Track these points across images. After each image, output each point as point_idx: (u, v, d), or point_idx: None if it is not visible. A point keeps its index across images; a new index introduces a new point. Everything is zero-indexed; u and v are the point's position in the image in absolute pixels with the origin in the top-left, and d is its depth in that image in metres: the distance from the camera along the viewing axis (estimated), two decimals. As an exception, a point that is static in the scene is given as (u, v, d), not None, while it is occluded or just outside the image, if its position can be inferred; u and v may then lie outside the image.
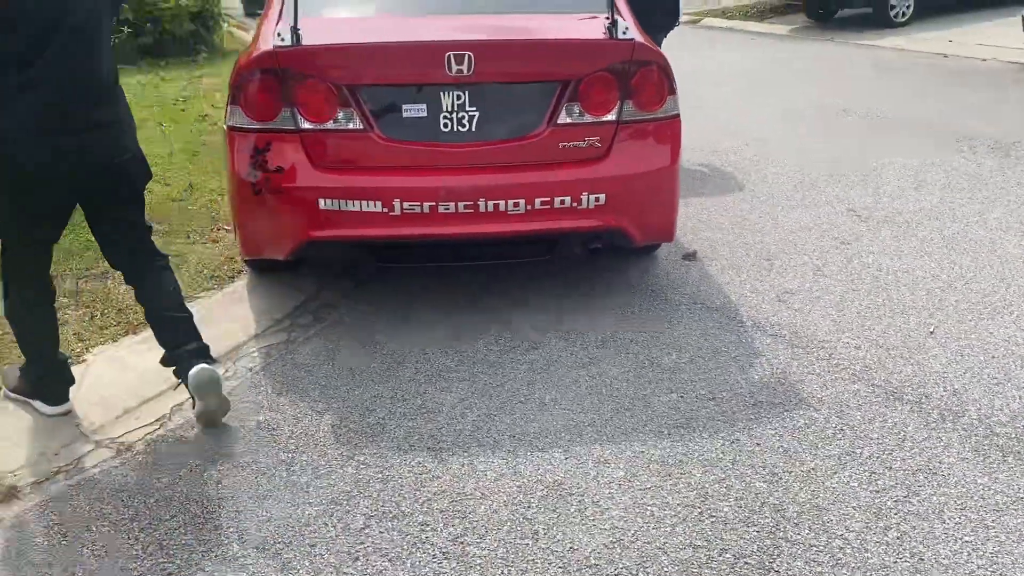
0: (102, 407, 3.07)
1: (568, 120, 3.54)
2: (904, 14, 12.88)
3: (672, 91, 3.65)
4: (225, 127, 3.62)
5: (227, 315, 3.76)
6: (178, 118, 7.16)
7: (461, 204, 3.47)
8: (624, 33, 3.56)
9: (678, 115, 3.69)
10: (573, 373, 3.29)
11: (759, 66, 10.34)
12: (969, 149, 6.14)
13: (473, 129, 3.51)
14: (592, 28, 3.69)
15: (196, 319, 3.06)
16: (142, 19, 10.37)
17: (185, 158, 5.92)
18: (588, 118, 3.55)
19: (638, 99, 3.57)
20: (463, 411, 3.04)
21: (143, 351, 3.37)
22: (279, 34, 3.46)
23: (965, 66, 9.60)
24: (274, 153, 3.48)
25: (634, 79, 3.55)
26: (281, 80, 3.44)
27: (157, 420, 3.04)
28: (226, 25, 11.59)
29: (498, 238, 3.62)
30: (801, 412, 2.96)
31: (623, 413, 3.00)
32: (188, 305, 3.14)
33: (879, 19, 12.78)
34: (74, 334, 3.47)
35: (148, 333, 3.39)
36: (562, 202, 3.53)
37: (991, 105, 7.52)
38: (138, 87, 8.68)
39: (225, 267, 4.17)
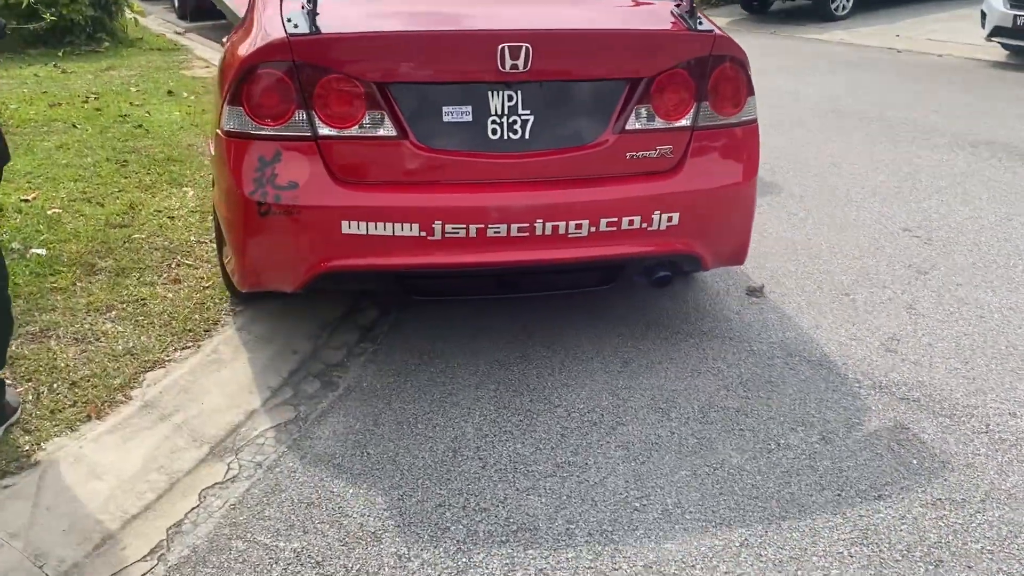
0: (72, 536, 2.23)
1: (637, 126, 2.98)
2: (844, 7, 12.72)
3: (751, 91, 3.12)
4: (219, 132, 2.93)
5: (214, 385, 2.95)
6: (93, 118, 6.14)
7: (515, 227, 2.88)
8: (701, 22, 3.04)
9: (756, 120, 3.19)
10: (686, 463, 2.60)
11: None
12: (992, 156, 5.71)
13: (527, 136, 2.91)
14: (663, 17, 3.13)
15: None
16: (37, 2, 9.11)
17: (113, 169, 4.95)
18: (660, 123, 3.00)
19: (716, 101, 3.03)
20: (567, 527, 2.32)
21: (116, 443, 2.55)
22: (290, 19, 2.80)
23: (924, 61, 9.34)
24: (286, 165, 2.81)
25: (712, 77, 3.01)
26: (295, 76, 2.77)
27: (152, 552, 2.22)
28: (129, 12, 10.46)
29: (556, 266, 3.05)
30: (995, 513, 2.36)
31: (777, 522, 2.34)
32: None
33: (819, 12, 12.55)
34: (16, 424, 2.59)
35: (118, 417, 2.63)
36: (630, 223, 2.97)
37: (984, 106, 7.13)
38: (36, 81, 7.62)
39: (197, 317, 3.31)
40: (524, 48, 2.78)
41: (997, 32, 9.00)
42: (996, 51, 9.45)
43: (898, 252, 4.20)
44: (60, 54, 9.11)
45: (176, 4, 13.96)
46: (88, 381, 2.84)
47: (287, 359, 3.17)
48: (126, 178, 4.84)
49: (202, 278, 3.65)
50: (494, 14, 3.06)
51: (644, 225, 2.96)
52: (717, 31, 3.02)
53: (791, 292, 3.77)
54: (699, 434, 2.77)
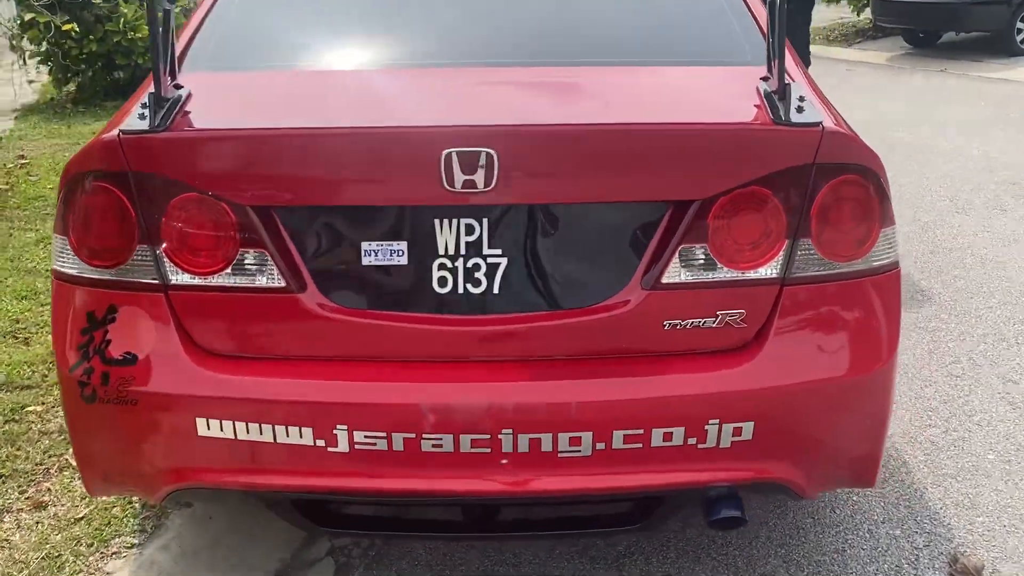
0: None
1: (682, 277, 1.81)
2: (1031, 40, 10.72)
3: (888, 220, 1.88)
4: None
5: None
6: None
7: (467, 439, 1.77)
8: (801, 108, 1.82)
9: (897, 266, 1.92)
10: None
11: (871, 108, 7.79)
12: None
13: (495, 290, 1.81)
14: (734, 96, 1.96)
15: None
16: (115, 52, 8.41)
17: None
18: (723, 273, 1.81)
19: (825, 237, 1.80)
20: None
21: None
22: (145, 104, 1.84)
23: None
24: (122, 327, 1.85)
25: (819, 199, 1.80)
26: (132, 193, 1.81)
27: None
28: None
29: (536, 499, 1.91)
30: None
31: None
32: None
33: (1001, 45, 10.61)
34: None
35: None
36: (667, 437, 1.80)
37: None
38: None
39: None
40: (483, 155, 1.68)
41: None
42: None
43: None
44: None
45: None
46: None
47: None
48: None
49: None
50: (443, 99, 1.96)
51: (692, 441, 1.77)
52: (830, 122, 1.80)
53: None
54: None
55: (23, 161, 6.09)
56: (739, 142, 1.81)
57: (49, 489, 2.51)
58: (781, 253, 1.80)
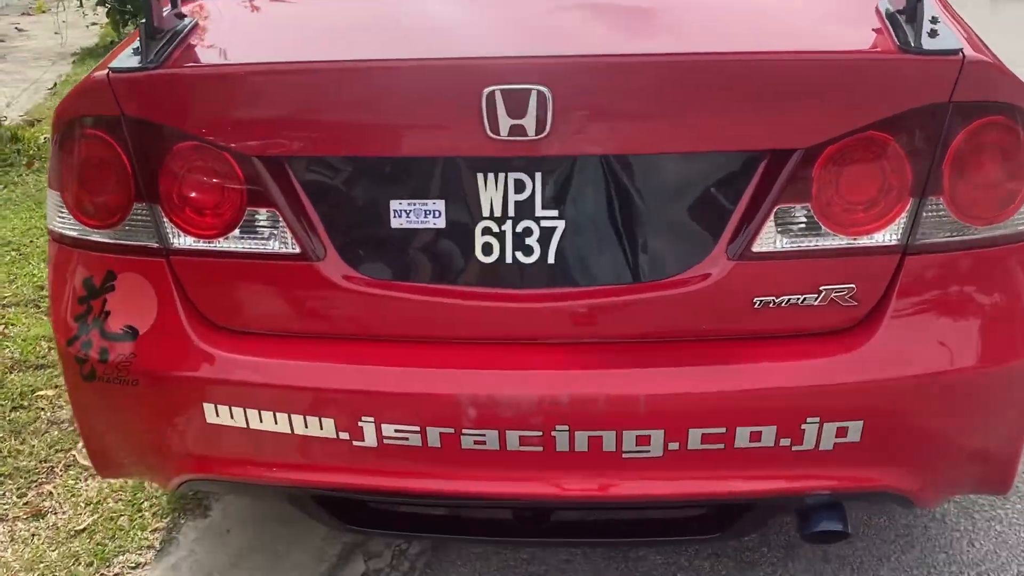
0: None
1: (777, 244, 1.48)
2: None
3: (1040, 172, 1.52)
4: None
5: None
6: None
7: (515, 435, 1.49)
8: (935, 32, 1.46)
9: (1046, 231, 1.56)
10: None
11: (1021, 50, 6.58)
12: None
13: (550, 259, 1.52)
14: (846, 18, 1.60)
15: None
16: None
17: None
18: (830, 239, 1.47)
19: (961, 194, 1.45)
20: None
21: None
22: (140, 39, 1.56)
23: None
24: (120, 296, 1.61)
25: (955, 145, 1.44)
26: (126, 142, 1.55)
27: None
28: None
29: (600, 506, 1.62)
30: None
31: None
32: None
33: None
34: None
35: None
36: (754, 437, 1.49)
37: None
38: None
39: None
40: (534, 94, 1.37)
41: None
42: None
43: None
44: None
45: None
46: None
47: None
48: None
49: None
50: (486, 24, 1.63)
51: (785, 442, 1.46)
52: (971, 49, 1.43)
53: None
54: None
55: (72, 110, 5.97)
56: (854, 76, 1.45)
57: (51, 493, 2.21)
58: (904, 214, 1.45)
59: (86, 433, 1.76)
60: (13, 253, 3.56)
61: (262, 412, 1.54)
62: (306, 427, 1.53)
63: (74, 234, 1.62)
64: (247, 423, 1.55)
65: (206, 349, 1.57)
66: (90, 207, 1.59)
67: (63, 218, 1.63)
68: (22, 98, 6.35)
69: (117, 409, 1.65)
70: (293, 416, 1.53)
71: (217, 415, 1.56)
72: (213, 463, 1.63)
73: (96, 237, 1.60)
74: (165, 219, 1.55)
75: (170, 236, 1.56)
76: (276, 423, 1.54)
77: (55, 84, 6.74)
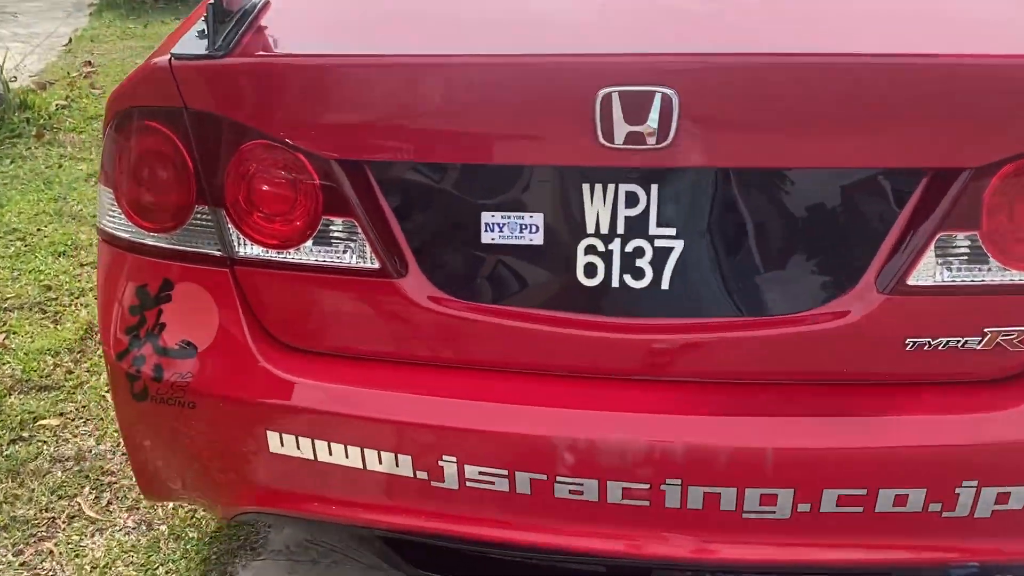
0: None
1: (937, 277, 1.26)
2: None
3: None
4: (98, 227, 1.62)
5: None
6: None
7: (618, 487, 1.30)
8: None
9: None
10: None
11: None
12: None
13: (665, 285, 1.32)
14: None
15: None
16: None
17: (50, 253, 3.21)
18: (1000, 274, 1.25)
19: None
20: None
21: None
22: (204, 21, 1.39)
23: None
24: (178, 309, 1.45)
25: None
26: (189, 138, 1.39)
27: None
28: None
29: (713, 569, 1.43)
30: None
31: None
32: None
33: None
34: None
35: None
36: (899, 501, 1.28)
37: None
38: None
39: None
40: (657, 97, 1.17)
41: None
42: None
43: None
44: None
45: None
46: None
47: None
48: (77, 269, 3.31)
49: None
50: (602, 18, 1.41)
51: (935, 508, 1.26)
52: None
53: None
54: None
55: (89, 69, 5.42)
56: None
57: (51, 551, 1.92)
58: (1094, 248, 1.22)
59: (133, 453, 1.61)
60: (18, 243, 3.24)
61: (332, 444, 1.38)
62: (380, 463, 1.36)
63: (127, 236, 1.47)
64: (315, 455, 1.39)
65: (271, 371, 1.40)
66: (146, 208, 1.43)
67: (114, 218, 1.48)
68: (32, 56, 5.81)
69: (170, 432, 1.50)
70: (366, 450, 1.37)
71: (282, 444, 1.40)
72: (274, 496, 1.47)
73: (152, 241, 1.45)
74: (230, 225, 1.39)
75: (235, 244, 1.40)
76: (347, 456, 1.38)
77: (70, 40, 6.25)
